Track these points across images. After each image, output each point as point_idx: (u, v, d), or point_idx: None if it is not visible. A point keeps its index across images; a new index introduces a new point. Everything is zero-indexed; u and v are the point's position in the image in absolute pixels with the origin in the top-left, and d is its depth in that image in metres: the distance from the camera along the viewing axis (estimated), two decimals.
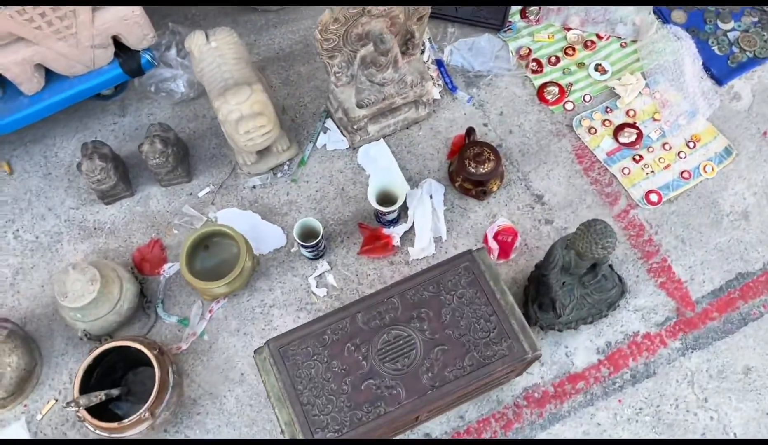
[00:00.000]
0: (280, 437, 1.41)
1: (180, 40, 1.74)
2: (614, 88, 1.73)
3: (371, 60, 1.50)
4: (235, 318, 1.55)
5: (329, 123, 1.75)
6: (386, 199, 1.58)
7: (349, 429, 1.17)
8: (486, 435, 1.42)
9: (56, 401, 1.48)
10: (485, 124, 1.74)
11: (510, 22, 1.84)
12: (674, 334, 1.51)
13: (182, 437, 1.44)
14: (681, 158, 1.66)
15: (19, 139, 1.75)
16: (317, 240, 1.50)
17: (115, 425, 1.29)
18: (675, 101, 1.71)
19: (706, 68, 1.76)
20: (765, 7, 1.83)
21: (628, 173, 1.65)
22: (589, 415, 1.45)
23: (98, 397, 1.31)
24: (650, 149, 1.68)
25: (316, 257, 1.59)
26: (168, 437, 1.44)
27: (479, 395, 1.42)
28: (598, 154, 1.68)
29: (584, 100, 1.74)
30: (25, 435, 1.45)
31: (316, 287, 1.57)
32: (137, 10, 1.49)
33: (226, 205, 1.67)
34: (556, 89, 1.75)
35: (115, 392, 1.36)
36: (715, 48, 1.79)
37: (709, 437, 1.42)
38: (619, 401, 1.46)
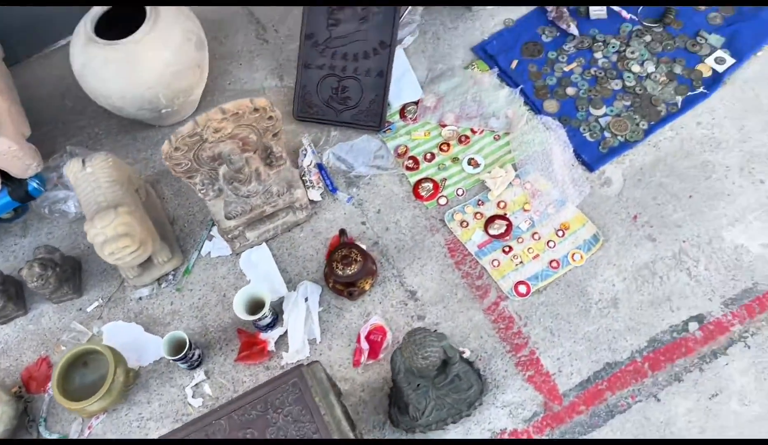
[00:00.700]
0: None
1: None
2: (485, 181, 1.78)
3: (230, 177, 1.58)
4: (114, 433, 1.58)
5: (215, 230, 1.82)
6: (259, 305, 1.62)
7: None
8: None
9: None
10: (363, 223, 1.79)
11: (389, 122, 1.92)
12: (541, 429, 1.49)
13: None
14: (550, 247, 1.68)
15: None
16: (184, 352, 1.55)
17: None
18: (545, 190, 1.74)
19: (578, 155, 1.80)
20: (637, 90, 1.88)
21: (498, 265, 1.67)
22: None
23: None
24: (520, 240, 1.70)
25: (192, 367, 1.63)
26: None
27: None
28: (469, 247, 1.71)
29: (457, 194, 1.79)
30: None
31: (192, 397, 1.61)
32: (14, 146, 1.61)
33: (113, 318, 1.73)
34: (430, 185, 1.80)
35: None
36: (587, 134, 1.83)
37: None
38: None
